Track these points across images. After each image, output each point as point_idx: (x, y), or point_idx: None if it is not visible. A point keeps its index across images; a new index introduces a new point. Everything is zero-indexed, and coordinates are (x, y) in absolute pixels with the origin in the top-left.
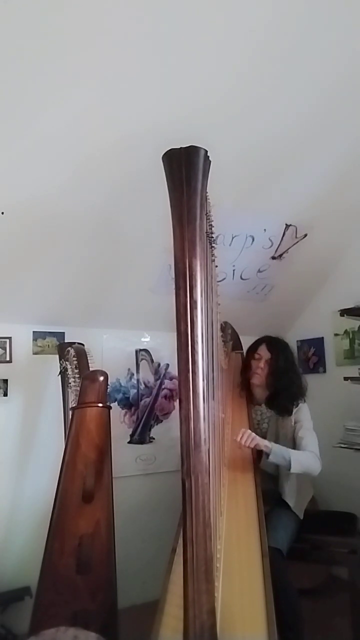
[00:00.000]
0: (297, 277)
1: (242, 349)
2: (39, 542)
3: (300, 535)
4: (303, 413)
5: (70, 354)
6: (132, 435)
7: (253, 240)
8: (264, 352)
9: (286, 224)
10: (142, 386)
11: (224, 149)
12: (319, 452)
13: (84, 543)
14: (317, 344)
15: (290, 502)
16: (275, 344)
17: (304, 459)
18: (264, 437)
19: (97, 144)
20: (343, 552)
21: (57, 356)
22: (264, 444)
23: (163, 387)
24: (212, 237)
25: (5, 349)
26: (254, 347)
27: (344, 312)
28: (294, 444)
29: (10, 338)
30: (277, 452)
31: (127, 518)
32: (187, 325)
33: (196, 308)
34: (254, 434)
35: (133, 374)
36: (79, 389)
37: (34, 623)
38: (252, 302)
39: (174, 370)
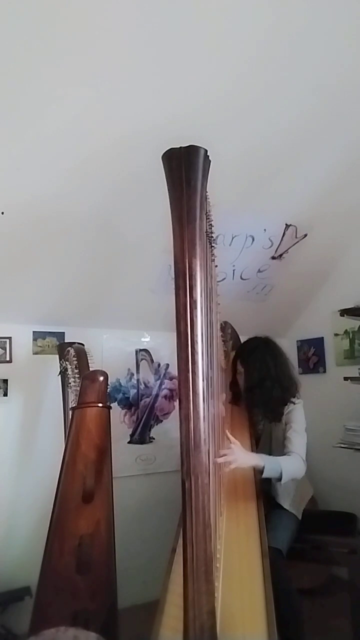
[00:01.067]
0: (297, 277)
1: None
2: (39, 542)
3: (300, 535)
4: (294, 414)
5: (70, 354)
6: (132, 435)
7: (253, 240)
8: (239, 367)
9: (286, 224)
10: (142, 386)
11: (224, 148)
12: (304, 454)
13: (84, 543)
14: (317, 344)
15: (285, 503)
16: (247, 356)
17: (291, 466)
18: (259, 438)
19: (96, 144)
20: (343, 552)
21: (57, 356)
22: (254, 462)
23: (163, 387)
24: (212, 237)
25: (5, 349)
26: (234, 361)
27: (344, 312)
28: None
29: (10, 338)
30: (269, 469)
31: (127, 518)
32: (187, 325)
33: (196, 308)
34: (238, 455)
35: (133, 374)
36: (79, 389)
37: (34, 623)
38: (252, 302)
39: (174, 370)
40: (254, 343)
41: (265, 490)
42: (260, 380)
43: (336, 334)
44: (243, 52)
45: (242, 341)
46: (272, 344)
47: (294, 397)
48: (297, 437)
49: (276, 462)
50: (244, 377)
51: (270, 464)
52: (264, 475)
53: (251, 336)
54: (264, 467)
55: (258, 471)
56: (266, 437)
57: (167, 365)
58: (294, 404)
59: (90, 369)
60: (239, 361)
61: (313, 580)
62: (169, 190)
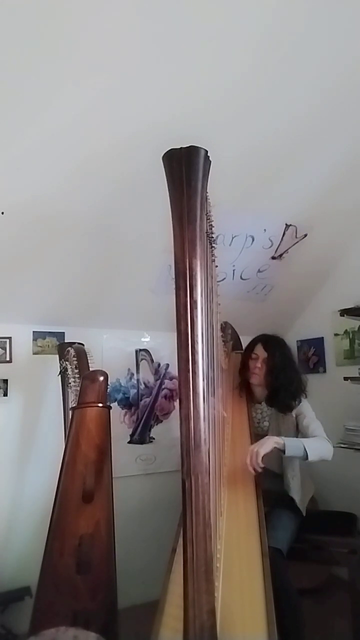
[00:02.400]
0: (297, 277)
1: (242, 349)
2: (39, 542)
3: (300, 535)
4: (304, 407)
5: (70, 354)
6: (132, 435)
7: (253, 240)
8: (260, 351)
9: (286, 224)
10: (142, 386)
11: (224, 149)
12: (326, 436)
13: (84, 543)
14: (317, 344)
15: (296, 497)
16: (271, 342)
17: (318, 445)
18: (265, 434)
19: (97, 144)
20: (343, 552)
21: (57, 356)
22: (274, 441)
23: (163, 387)
24: (212, 237)
25: (5, 349)
26: (250, 347)
27: (344, 312)
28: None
29: (10, 338)
30: (291, 445)
31: (127, 518)
32: (187, 325)
33: (196, 308)
34: (257, 447)
35: (133, 374)
36: (79, 389)
37: (34, 623)
38: (252, 302)
39: (174, 370)
40: (275, 336)
41: (267, 489)
42: (283, 367)
43: (336, 334)
44: (244, 52)
45: (242, 341)
46: (288, 345)
47: (304, 392)
48: (315, 423)
49: (297, 440)
50: (267, 361)
51: (290, 442)
52: (287, 453)
53: (252, 336)
54: (284, 445)
55: (281, 450)
56: (273, 433)
57: (167, 365)
58: (306, 397)
59: (90, 369)
60: (260, 345)
61: (313, 580)
62: (169, 190)
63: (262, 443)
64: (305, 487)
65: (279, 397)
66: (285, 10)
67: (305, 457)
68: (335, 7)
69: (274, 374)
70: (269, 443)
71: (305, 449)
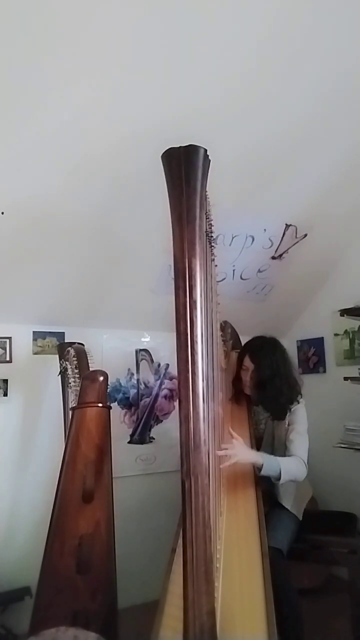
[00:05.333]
0: (297, 277)
1: None
2: (39, 542)
3: (300, 535)
4: (297, 415)
5: (70, 354)
6: (132, 435)
7: (253, 240)
8: (248, 363)
9: (286, 224)
10: (142, 386)
11: (224, 148)
12: (306, 457)
13: (84, 543)
14: (317, 344)
15: (287, 504)
16: (257, 352)
17: (292, 467)
18: (261, 437)
19: (96, 144)
20: (343, 552)
21: (57, 356)
22: (254, 459)
23: (163, 387)
24: (212, 237)
25: (5, 349)
26: (240, 357)
27: (344, 312)
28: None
29: (10, 338)
30: (267, 467)
31: (127, 518)
32: (186, 325)
33: (196, 308)
34: (239, 450)
35: (133, 374)
36: (79, 389)
37: (34, 623)
38: (252, 302)
39: (174, 370)
40: (262, 340)
41: (267, 489)
42: (271, 377)
43: (336, 334)
44: (244, 53)
45: (242, 341)
46: (279, 344)
47: (299, 396)
48: (300, 439)
49: (275, 461)
50: (254, 373)
51: (269, 462)
52: (262, 472)
53: (252, 336)
54: (262, 465)
55: (257, 468)
56: (268, 436)
57: (167, 365)
58: (298, 402)
59: (90, 369)
60: (247, 357)
61: (313, 580)
62: (168, 190)
63: (245, 452)
64: (300, 491)
65: (270, 406)
66: (286, 12)
67: (278, 478)
68: (336, 12)
69: (261, 387)
70: (249, 457)
71: (280, 472)
